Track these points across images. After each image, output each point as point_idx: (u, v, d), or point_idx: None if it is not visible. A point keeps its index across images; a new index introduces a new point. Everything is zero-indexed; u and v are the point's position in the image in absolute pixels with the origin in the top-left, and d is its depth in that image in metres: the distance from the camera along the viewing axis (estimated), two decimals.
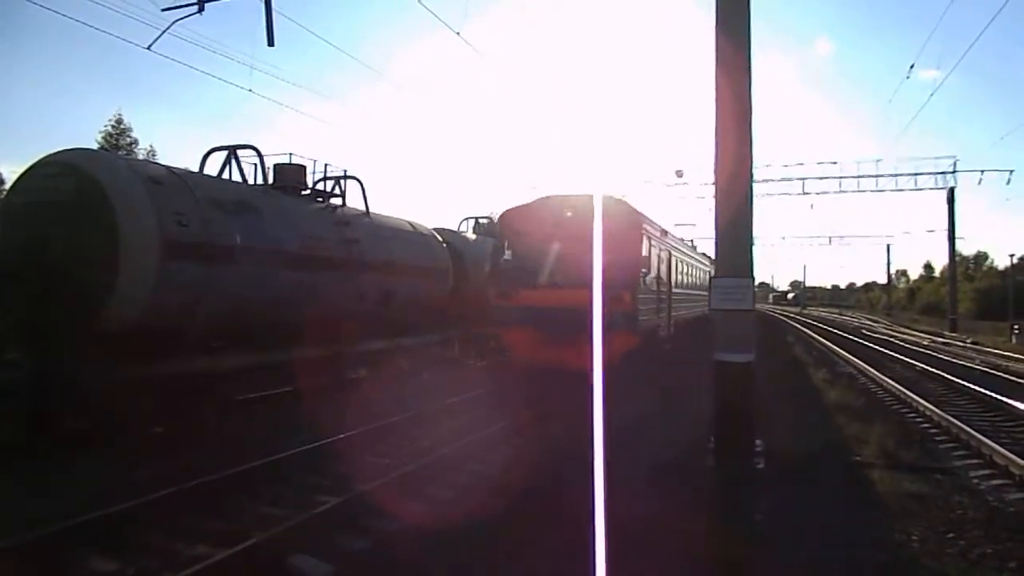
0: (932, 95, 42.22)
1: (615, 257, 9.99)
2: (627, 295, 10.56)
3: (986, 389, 13.50)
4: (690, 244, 22.68)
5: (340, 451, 7.99)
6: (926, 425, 10.93)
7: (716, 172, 7.25)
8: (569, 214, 11.03)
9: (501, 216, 12.36)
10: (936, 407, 11.58)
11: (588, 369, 7.69)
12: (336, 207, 13.20)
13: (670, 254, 14.77)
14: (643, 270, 11.46)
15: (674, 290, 20.19)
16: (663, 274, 13.60)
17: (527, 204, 11.96)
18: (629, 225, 11.30)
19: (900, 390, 13.87)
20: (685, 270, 18.87)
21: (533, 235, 11.27)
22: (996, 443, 8.81)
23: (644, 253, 11.53)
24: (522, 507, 5.82)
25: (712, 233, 7.35)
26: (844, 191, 40.24)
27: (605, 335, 8.62)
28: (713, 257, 20.41)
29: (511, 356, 11.05)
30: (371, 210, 13.94)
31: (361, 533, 5.74)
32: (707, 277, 26.09)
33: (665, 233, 14.96)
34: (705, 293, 24.19)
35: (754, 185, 7.49)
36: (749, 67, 7.09)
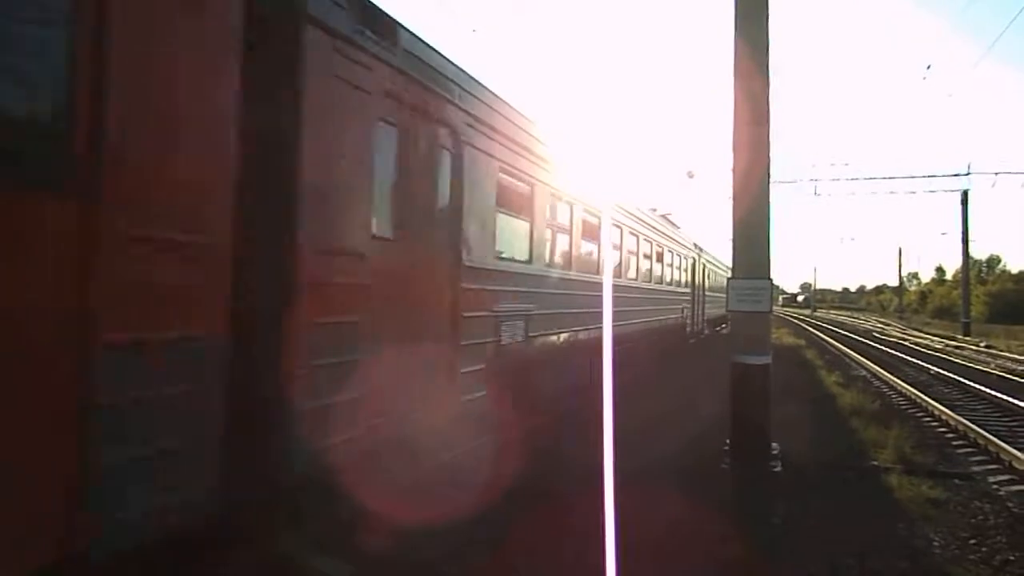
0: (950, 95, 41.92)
1: None
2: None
3: (1002, 393, 13.35)
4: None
5: None
6: (943, 429, 10.82)
7: (733, 171, 7.18)
8: None
9: None
10: (952, 411, 11.47)
11: None
12: None
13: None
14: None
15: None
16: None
17: None
18: None
19: (915, 394, 13.75)
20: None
21: None
22: (1015, 448, 8.70)
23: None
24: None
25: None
26: (855, 193, 40.10)
27: None
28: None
29: None
30: None
31: None
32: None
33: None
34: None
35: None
36: (767, 69, 7.02)
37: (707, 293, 24.60)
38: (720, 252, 28.55)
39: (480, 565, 4.74)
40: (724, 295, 6.78)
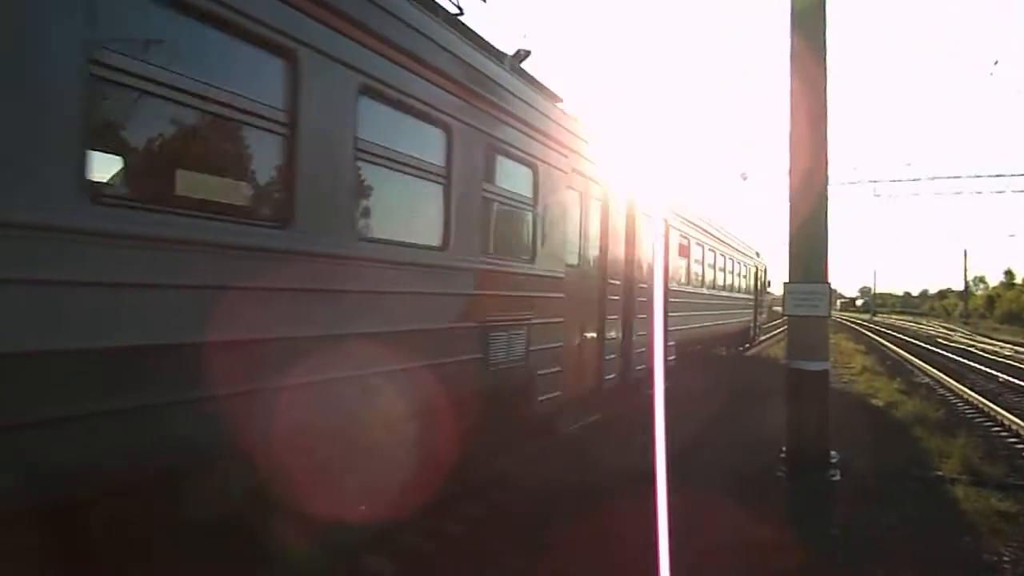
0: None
1: None
2: None
3: None
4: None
5: None
6: (1012, 440, 10.35)
7: (789, 172, 7.03)
8: None
9: None
10: None
11: None
12: None
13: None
14: None
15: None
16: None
17: None
18: None
19: (983, 402, 13.18)
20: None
21: None
22: None
23: None
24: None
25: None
26: (918, 194, 38.68)
27: None
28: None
29: None
30: None
31: None
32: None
33: None
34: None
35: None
36: (825, 67, 6.87)
37: (713, 292, 15.75)
38: (739, 231, 21.66)
39: None
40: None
